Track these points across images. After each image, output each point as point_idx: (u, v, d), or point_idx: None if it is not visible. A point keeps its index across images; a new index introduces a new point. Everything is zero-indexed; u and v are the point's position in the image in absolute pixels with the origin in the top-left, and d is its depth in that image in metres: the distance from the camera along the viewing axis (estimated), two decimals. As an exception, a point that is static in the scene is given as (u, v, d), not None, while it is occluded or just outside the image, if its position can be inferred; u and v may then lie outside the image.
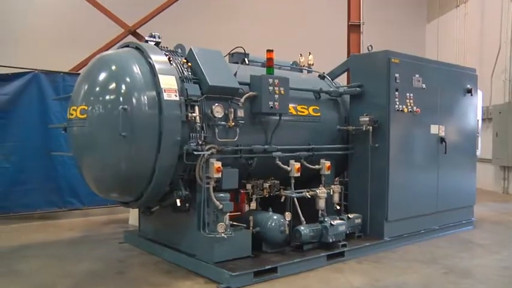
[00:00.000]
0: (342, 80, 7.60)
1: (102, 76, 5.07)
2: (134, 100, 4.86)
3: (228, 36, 11.71)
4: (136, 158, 4.92)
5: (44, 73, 8.31)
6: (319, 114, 6.57)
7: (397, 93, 6.39)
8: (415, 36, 17.14)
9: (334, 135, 6.77)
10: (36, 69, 8.29)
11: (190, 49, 5.51)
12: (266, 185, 5.76)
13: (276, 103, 5.57)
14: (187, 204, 5.34)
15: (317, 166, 6.26)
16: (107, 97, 4.95)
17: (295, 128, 6.26)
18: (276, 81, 5.57)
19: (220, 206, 5.04)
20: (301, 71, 7.27)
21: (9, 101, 8.12)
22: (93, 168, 5.23)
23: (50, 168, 8.24)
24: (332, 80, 7.17)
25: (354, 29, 10.75)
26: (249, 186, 5.69)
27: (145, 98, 4.89)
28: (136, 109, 4.84)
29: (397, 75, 6.36)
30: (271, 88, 5.53)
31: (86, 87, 5.15)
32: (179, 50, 5.65)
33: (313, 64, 7.42)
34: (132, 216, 8.17)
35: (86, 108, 5.05)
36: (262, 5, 14.81)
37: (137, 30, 10.76)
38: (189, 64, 5.35)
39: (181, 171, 5.22)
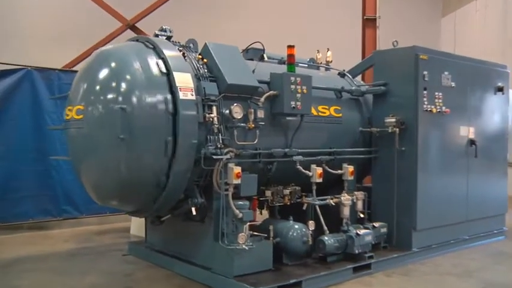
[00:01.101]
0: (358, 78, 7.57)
1: (100, 73, 4.99)
2: (135, 99, 4.77)
3: (231, 31, 11.66)
4: (139, 163, 4.84)
5: (37, 70, 8.24)
6: (340, 115, 6.55)
7: (425, 92, 6.38)
8: (429, 32, 17.13)
9: (356, 138, 6.75)
10: (28, 66, 8.22)
11: (206, 44, 5.47)
12: (287, 191, 5.72)
13: (298, 103, 5.55)
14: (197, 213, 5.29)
15: (339, 171, 6.24)
16: (104, 96, 4.88)
17: (316, 130, 6.24)
18: (298, 79, 5.55)
19: (240, 215, 5.00)
20: (318, 68, 7.25)
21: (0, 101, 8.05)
22: (92, 174, 5.14)
23: (43, 173, 8.17)
24: (353, 78, 7.14)
25: (369, 23, 10.73)
26: (268, 193, 5.65)
27: (150, 97, 4.81)
28: (137, 109, 4.76)
29: (425, 72, 6.34)
30: (293, 87, 5.51)
31: (83, 85, 5.09)
32: (191, 46, 5.62)
33: (331, 61, 7.40)
34: (135, 225, 8.12)
35: (82, 108, 4.98)
36: (266, -1, 14.81)
37: (136, 25, 10.70)
38: (205, 60, 5.31)
39: (196, 177, 5.17)
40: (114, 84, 4.85)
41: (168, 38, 5.56)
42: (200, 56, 5.35)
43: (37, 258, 6.47)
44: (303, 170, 5.81)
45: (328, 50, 7.47)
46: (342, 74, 7.16)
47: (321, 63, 7.30)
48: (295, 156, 5.83)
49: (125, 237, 7.86)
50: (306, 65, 7.10)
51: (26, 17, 11.18)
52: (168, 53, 5.09)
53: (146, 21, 10.71)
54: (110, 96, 4.83)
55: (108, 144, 4.82)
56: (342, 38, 13.09)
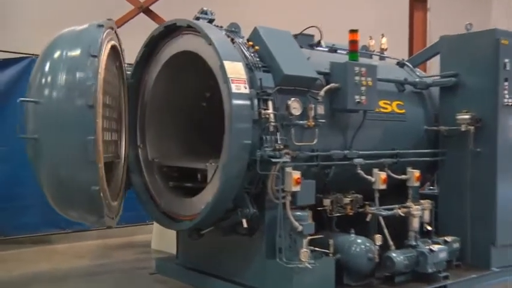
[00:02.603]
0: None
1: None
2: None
3: (249, 13, 11.50)
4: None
5: (44, 59, 8.15)
6: (403, 111, 6.45)
7: (506, 83, 6.24)
8: (477, 13, 16.81)
9: (420, 138, 6.66)
10: (33, 54, 8.14)
11: (255, 29, 5.39)
12: (347, 200, 5.62)
13: (362, 97, 5.45)
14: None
15: (403, 176, 6.13)
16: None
17: (377, 129, 6.14)
18: (363, 69, 5.46)
19: (300, 228, 4.91)
20: (371, 57, 7.14)
21: (0, 94, 7.98)
22: None
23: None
24: (413, 68, 7.04)
25: (418, 5, 10.65)
26: (327, 201, 5.55)
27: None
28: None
29: (506, 60, 6.19)
30: (357, 78, 5.41)
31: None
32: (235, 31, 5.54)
33: (386, 49, 7.29)
34: (156, 239, 8.08)
35: None
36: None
37: (150, 8, 10.65)
38: (256, 48, 5.22)
39: (247, 184, 5.08)
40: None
41: (210, 21, 5.47)
42: (251, 43, 5.24)
43: (54, 277, 6.45)
44: (365, 175, 5.71)
45: (382, 36, 7.36)
46: (401, 64, 7.05)
47: (374, 51, 7.19)
48: (355, 159, 5.72)
49: (145, 253, 7.84)
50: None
51: (31, 1, 11.13)
52: (215, 38, 4.99)
53: (160, 4, 10.65)
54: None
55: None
56: (383, 22, 12.91)
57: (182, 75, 5.95)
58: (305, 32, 6.10)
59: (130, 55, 5.94)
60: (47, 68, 4.79)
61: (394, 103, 6.36)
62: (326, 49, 6.49)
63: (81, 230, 8.48)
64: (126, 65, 5.80)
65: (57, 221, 8.21)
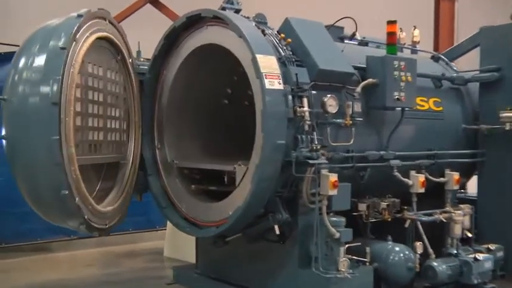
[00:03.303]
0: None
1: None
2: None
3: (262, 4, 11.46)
4: None
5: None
6: (441, 108, 6.43)
7: (555, 78, 6.19)
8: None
9: (458, 137, 6.63)
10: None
11: (287, 20, 5.36)
12: (384, 204, 5.58)
13: (402, 94, 5.41)
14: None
15: (442, 179, 6.10)
16: None
17: (414, 128, 6.12)
18: (402, 64, 5.43)
19: (337, 235, 4.87)
20: (402, 50, 7.10)
21: (1, 90, 7.91)
22: None
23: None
24: (449, 62, 7.01)
25: (445, -6, 10.62)
26: (362, 206, 5.51)
27: None
28: None
29: (555, 52, 6.14)
30: (396, 73, 5.37)
31: None
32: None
33: (419, 42, 7.26)
34: (169, 246, 8.04)
35: None
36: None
37: (158, -2, 10.64)
38: (288, 40, 5.17)
39: (279, 187, 5.03)
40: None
41: (237, 11, 5.42)
42: (282, 35, 5.20)
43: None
44: (402, 178, 5.67)
45: (414, 28, 7.34)
46: (435, 58, 7.02)
47: (404, 44, 7.15)
48: (392, 160, 5.68)
49: (158, 261, 7.81)
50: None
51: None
52: (246, 30, 4.94)
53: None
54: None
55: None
56: (403, 13, 12.85)
57: (203, 70, 5.90)
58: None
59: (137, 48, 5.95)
60: (20, 63, 4.72)
61: (431, 100, 6.33)
62: (355, 42, 6.46)
63: (88, 237, 8.41)
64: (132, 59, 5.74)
65: (60, 227, 8.20)
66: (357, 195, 5.57)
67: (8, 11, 10.90)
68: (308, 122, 4.91)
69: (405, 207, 5.69)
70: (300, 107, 4.88)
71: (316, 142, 4.90)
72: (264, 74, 4.74)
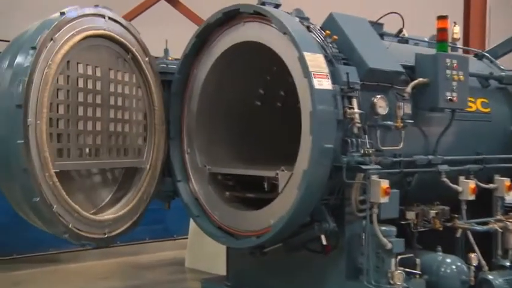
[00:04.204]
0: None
1: None
2: None
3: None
4: None
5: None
6: (488, 109, 6.41)
7: None
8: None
9: (507, 140, 6.59)
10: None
11: (331, 15, 5.34)
12: (433, 212, 5.54)
13: (454, 94, 5.38)
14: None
15: (491, 185, 6.07)
16: None
17: (461, 130, 6.07)
18: (455, 62, 5.40)
19: (389, 245, 4.83)
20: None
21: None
22: None
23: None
24: (494, 61, 6.99)
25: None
26: (411, 214, 5.47)
27: None
28: None
29: None
30: (448, 72, 5.34)
31: None
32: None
33: (459, 39, 7.23)
34: (191, 256, 8.00)
35: None
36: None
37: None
38: (334, 37, 5.14)
39: (326, 194, 4.99)
40: None
41: (276, 6, 5.39)
42: (328, 32, 5.17)
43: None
44: (451, 184, 5.64)
45: (455, 24, 7.29)
46: (479, 56, 7.00)
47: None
48: (440, 165, 5.65)
49: (180, 272, 7.80)
50: (427, 44, 6.92)
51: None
52: (292, 27, 4.90)
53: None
54: None
55: None
56: (429, 6, 12.84)
57: (235, 69, 5.87)
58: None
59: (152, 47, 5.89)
60: (3, 63, 4.74)
61: (479, 101, 6.31)
62: (395, 39, 6.43)
63: (101, 247, 8.36)
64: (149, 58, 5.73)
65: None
66: (404, 203, 5.53)
67: (10, 3, 10.90)
68: (358, 125, 4.87)
69: (456, 215, 5.63)
70: (349, 108, 4.84)
71: (368, 146, 4.86)
72: (312, 73, 4.69)
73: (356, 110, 4.86)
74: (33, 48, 4.51)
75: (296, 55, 4.80)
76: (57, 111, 4.87)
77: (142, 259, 8.47)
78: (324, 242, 5.00)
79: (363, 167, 4.74)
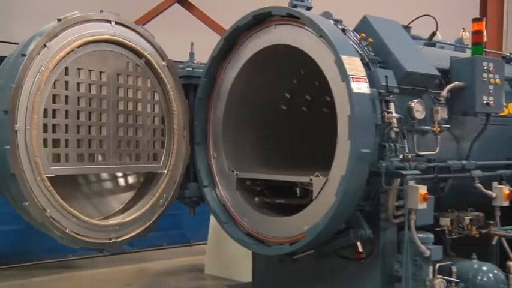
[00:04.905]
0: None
1: None
2: None
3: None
4: None
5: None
6: (520, 113, 6.31)
7: None
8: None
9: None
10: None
11: (365, 18, 5.26)
12: (467, 219, 5.44)
13: (490, 98, 5.30)
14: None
15: (525, 192, 5.97)
16: None
17: (494, 135, 5.97)
18: (491, 66, 5.31)
19: (428, 253, 4.74)
20: (464, 50, 6.99)
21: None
22: None
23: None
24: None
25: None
26: (445, 221, 5.38)
27: None
28: None
29: None
30: (485, 76, 5.25)
31: None
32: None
33: (485, 42, 7.14)
34: (211, 263, 7.91)
35: None
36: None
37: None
38: (370, 40, 5.06)
39: (362, 200, 4.90)
40: None
41: (308, 8, 5.29)
42: (363, 35, 5.08)
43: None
44: (484, 190, 5.55)
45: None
46: (507, 59, 6.89)
47: (467, 44, 7.04)
48: (473, 170, 5.56)
49: (200, 279, 7.70)
50: (452, 47, 6.84)
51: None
52: (328, 30, 4.81)
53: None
54: None
55: None
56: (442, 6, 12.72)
57: (262, 73, 5.78)
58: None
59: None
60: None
61: (510, 104, 6.22)
62: (421, 42, 6.34)
63: (119, 253, 8.30)
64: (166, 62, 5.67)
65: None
66: (437, 209, 5.43)
67: (11, 10, 10.85)
68: (396, 129, 4.78)
69: (491, 221, 5.54)
70: (388, 113, 4.74)
71: (408, 151, 4.77)
72: (350, 76, 4.60)
73: (394, 114, 4.76)
74: (23, 55, 4.56)
75: (332, 58, 4.72)
76: (54, 117, 4.91)
77: (160, 265, 8.38)
78: (360, 249, 4.90)
79: (403, 172, 4.63)
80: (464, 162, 5.55)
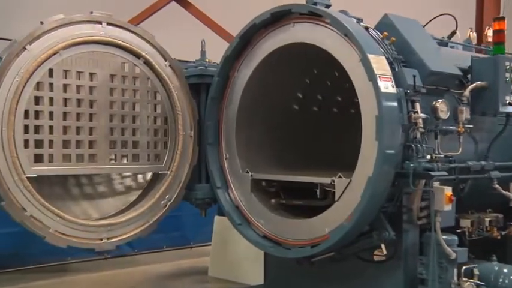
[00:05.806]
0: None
1: None
2: None
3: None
4: None
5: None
6: (538, 114, 6.27)
7: None
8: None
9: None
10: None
11: (386, 16, 5.18)
12: (487, 220, 5.40)
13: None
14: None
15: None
16: None
17: (510, 135, 5.92)
18: (513, 65, 5.26)
19: (453, 255, 4.68)
20: (471, 50, 6.96)
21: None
22: None
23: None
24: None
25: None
26: (466, 222, 5.33)
27: None
28: None
29: None
30: (507, 75, 5.21)
31: None
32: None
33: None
34: (215, 265, 7.78)
35: None
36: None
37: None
38: (393, 39, 4.96)
39: (385, 202, 4.81)
40: None
41: (327, 6, 5.19)
42: (385, 33, 4.98)
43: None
44: (503, 191, 5.51)
45: (488, 28, 7.19)
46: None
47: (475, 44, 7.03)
48: (492, 171, 5.51)
49: (204, 281, 7.58)
50: (461, 47, 6.79)
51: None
52: (353, 28, 4.71)
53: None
54: None
55: None
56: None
57: (276, 72, 5.68)
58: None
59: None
60: None
61: (525, 104, 6.16)
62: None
63: (119, 256, 8.16)
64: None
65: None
66: (457, 210, 5.37)
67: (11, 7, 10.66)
68: (421, 129, 4.70)
69: (510, 223, 5.50)
70: (414, 113, 4.66)
71: (434, 151, 4.70)
72: (378, 75, 4.50)
73: (420, 114, 4.67)
74: (1, 58, 4.62)
75: (357, 57, 4.62)
76: (37, 118, 4.92)
77: (162, 268, 8.23)
78: (385, 251, 4.81)
79: (432, 173, 4.55)
80: (483, 163, 5.49)
